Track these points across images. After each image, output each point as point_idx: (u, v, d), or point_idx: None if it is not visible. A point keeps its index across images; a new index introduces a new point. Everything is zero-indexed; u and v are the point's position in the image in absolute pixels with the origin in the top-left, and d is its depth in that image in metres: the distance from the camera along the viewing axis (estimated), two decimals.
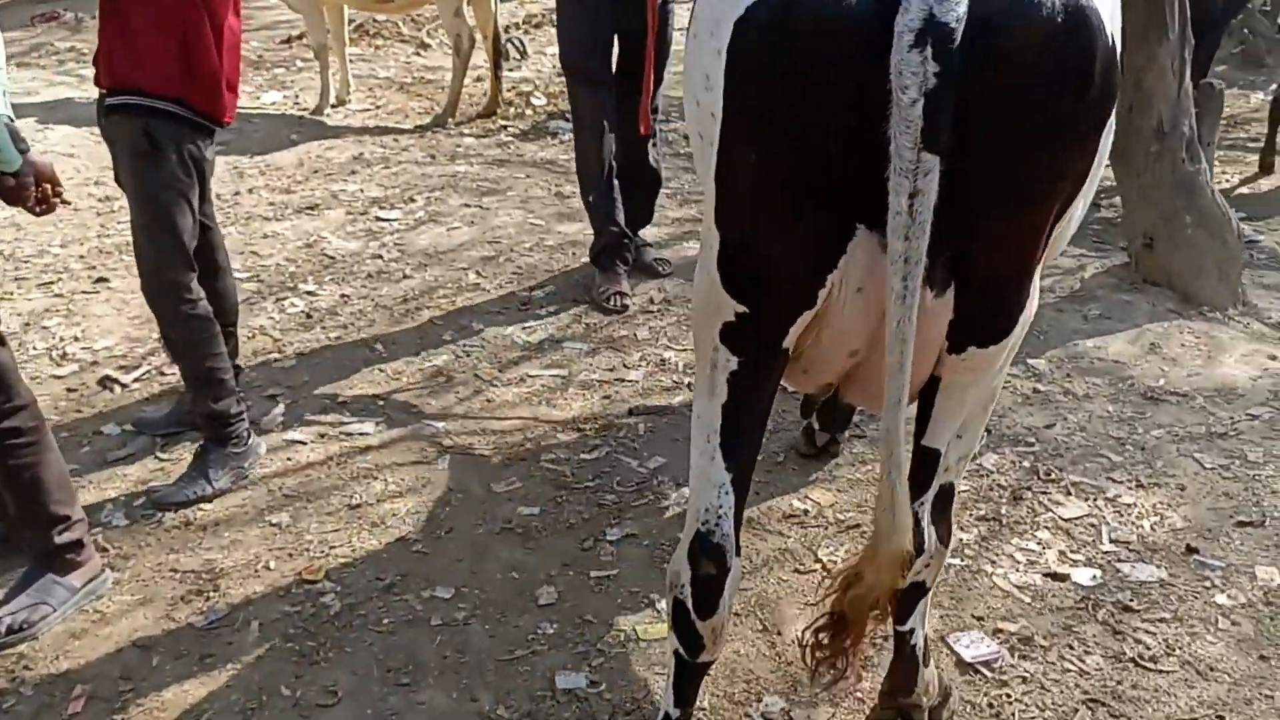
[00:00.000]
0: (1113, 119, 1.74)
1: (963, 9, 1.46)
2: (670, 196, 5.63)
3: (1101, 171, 1.87)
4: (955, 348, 1.81)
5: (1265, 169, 5.98)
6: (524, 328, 4.28)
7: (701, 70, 1.77)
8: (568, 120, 6.85)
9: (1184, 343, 4.01)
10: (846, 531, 3.07)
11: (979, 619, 2.73)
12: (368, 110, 7.34)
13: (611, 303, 4.39)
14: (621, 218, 4.51)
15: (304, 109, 7.13)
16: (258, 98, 7.29)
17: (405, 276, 4.71)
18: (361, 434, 3.56)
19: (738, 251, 1.77)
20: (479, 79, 7.75)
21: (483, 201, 5.53)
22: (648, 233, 4.82)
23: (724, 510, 1.92)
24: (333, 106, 7.20)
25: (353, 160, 6.15)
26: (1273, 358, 3.90)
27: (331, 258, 4.89)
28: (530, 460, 3.43)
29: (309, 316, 4.34)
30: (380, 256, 4.90)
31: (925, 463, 2.01)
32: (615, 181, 4.48)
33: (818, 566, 2.94)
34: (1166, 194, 4.18)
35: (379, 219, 5.32)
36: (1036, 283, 1.85)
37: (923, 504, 2.03)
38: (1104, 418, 3.58)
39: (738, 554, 1.97)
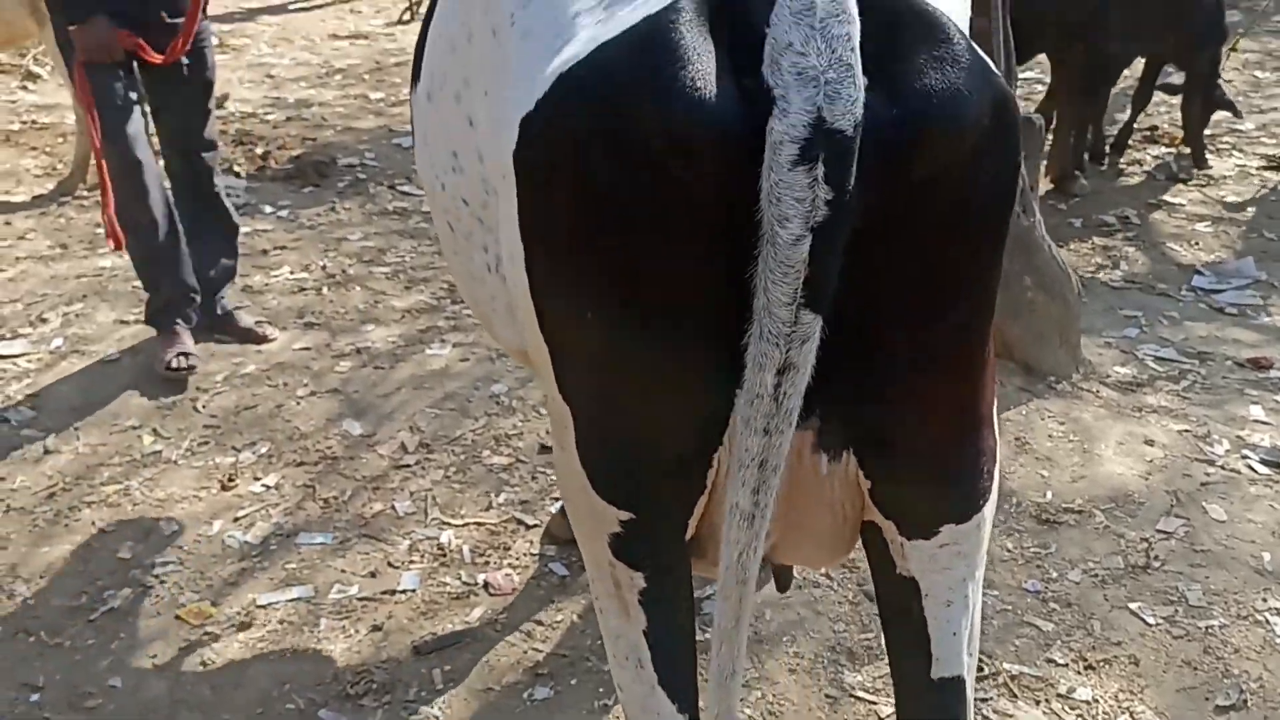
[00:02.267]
0: None
1: (859, 109, 1.08)
2: (390, 277, 4.54)
3: None
4: (924, 531, 1.38)
5: None
6: (236, 518, 3.10)
7: (448, 147, 1.61)
8: (239, 176, 5.60)
9: (1050, 432, 3.44)
10: None
11: None
12: None
13: (174, 365, 3.66)
14: (188, 272, 3.78)
15: None
16: None
17: (48, 451, 3.37)
18: None
19: (597, 434, 1.35)
20: None
21: None
22: (378, 334, 3.74)
23: None
24: None
25: None
26: (1149, 443, 3.39)
27: None
28: None
29: None
30: (4, 420, 3.51)
31: (945, 704, 1.48)
32: (178, 228, 3.74)
33: None
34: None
35: None
36: (994, 412, 1.44)
37: None
38: (1007, 560, 2.92)
39: None
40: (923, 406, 1.31)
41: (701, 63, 1.12)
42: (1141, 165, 5.88)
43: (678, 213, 1.17)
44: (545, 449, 3.39)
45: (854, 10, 1.09)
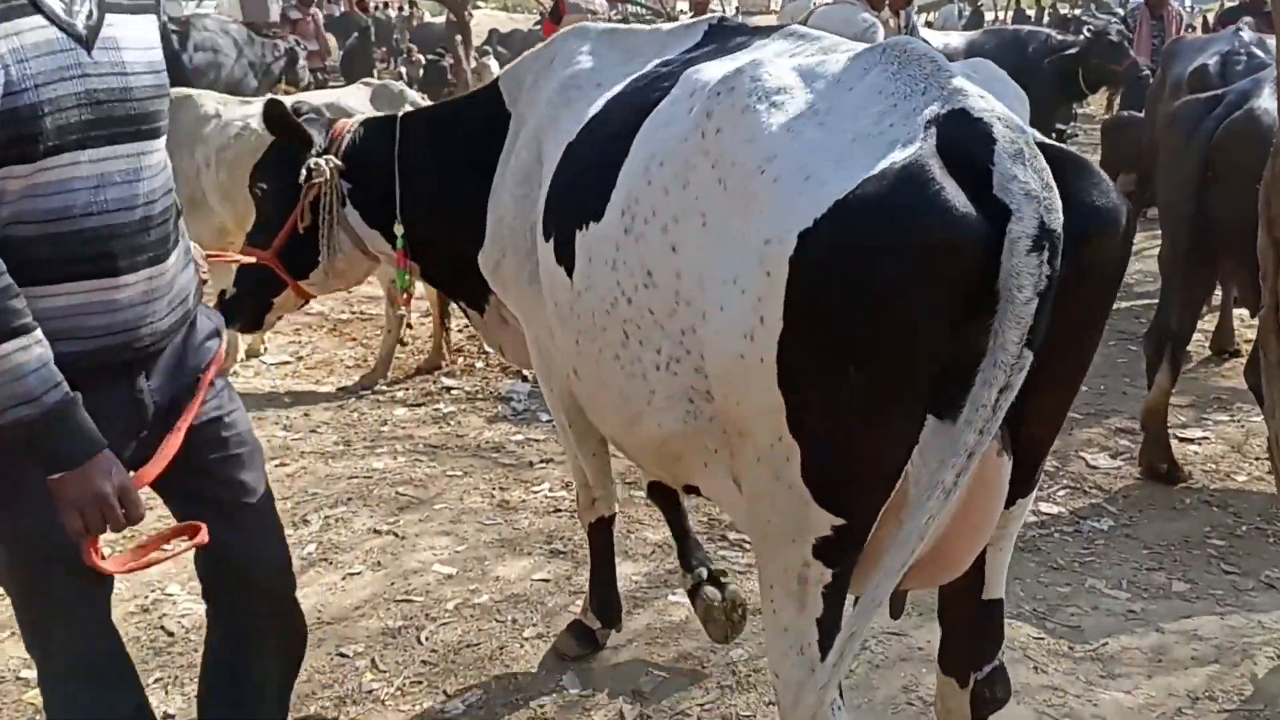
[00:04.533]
0: None
1: (1061, 215, 1.58)
2: (649, 504, 4.22)
3: None
4: (1010, 504, 1.89)
5: None
6: None
7: (643, 267, 1.99)
8: (526, 379, 5.61)
9: None
10: None
11: None
12: (286, 364, 6.06)
13: None
14: None
15: None
16: None
17: None
18: None
19: (825, 461, 1.75)
20: (424, 317, 6.50)
21: (399, 523, 4.13)
22: None
23: None
24: (240, 362, 5.90)
25: None
26: None
27: (171, 634, 3.46)
28: None
29: None
30: None
31: (992, 616, 2.06)
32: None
33: None
34: None
35: None
36: None
37: (995, 667, 2.07)
38: None
39: None
40: (1056, 419, 1.88)
41: (955, 188, 1.59)
42: None
43: (936, 291, 1.60)
44: None
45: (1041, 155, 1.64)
